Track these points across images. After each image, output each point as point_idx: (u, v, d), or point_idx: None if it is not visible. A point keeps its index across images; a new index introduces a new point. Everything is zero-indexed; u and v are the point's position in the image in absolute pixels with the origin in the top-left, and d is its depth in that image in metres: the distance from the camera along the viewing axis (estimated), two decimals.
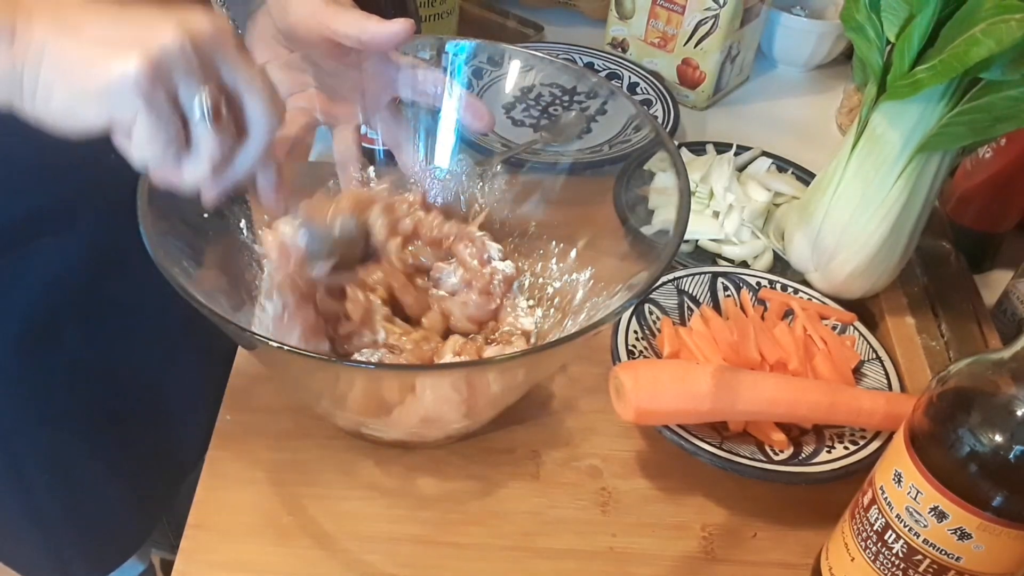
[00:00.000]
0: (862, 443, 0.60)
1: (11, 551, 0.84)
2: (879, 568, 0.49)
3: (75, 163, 0.65)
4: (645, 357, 0.66)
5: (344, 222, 0.61)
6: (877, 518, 0.49)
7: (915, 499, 0.46)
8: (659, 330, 0.68)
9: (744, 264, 0.79)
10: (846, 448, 0.60)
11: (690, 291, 0.72)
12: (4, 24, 0.39)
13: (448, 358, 0.60)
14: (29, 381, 0.71)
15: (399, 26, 0.57)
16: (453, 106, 0.67)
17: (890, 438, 0.58)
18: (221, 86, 0.43)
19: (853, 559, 0.51)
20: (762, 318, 0.70)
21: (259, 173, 0.50)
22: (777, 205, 0.84)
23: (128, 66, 0.38)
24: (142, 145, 0.41)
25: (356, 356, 0.59)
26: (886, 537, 0.48)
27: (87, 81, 0.39)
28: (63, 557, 0.83)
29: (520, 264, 0.69)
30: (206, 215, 0.58)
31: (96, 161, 0.42)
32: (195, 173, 0.44)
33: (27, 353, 0.70)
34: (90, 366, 0.74)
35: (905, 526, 0.47)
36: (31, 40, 0.39)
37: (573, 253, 0.68)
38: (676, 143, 0.91)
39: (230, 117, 0.44)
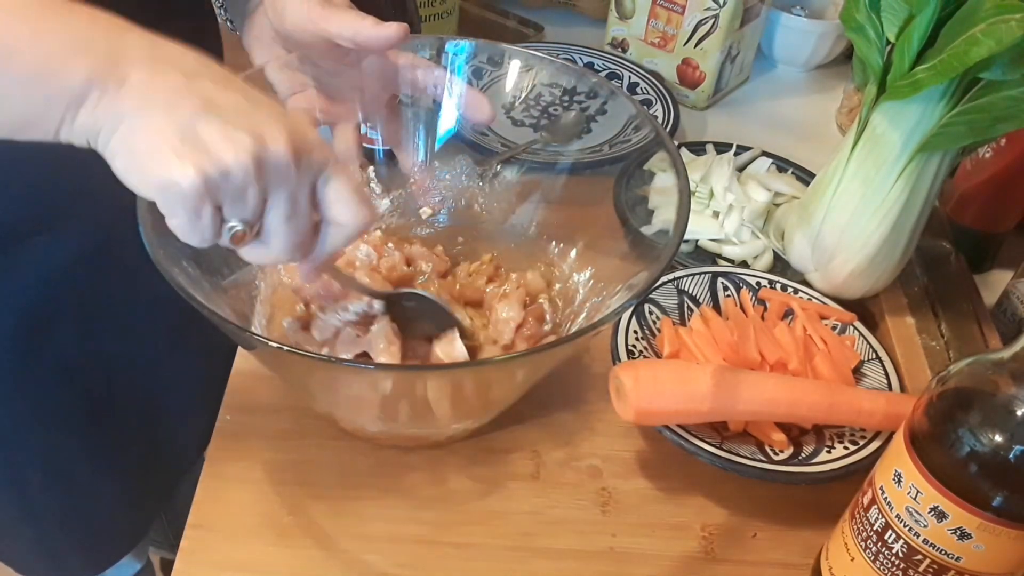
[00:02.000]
0: (862, 443, 0.60)
1: (6, 548, 0.85)
2: (879, 568, 0.49)
3: (69, 162, 0.65)
4: (645, 357, 0.65)
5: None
6: (877, 518, 0.49)
7: (915, 499, 0.46)
8: (659, 330, 0.68)
9: (744, 264, 0.79)
10: (846, 448, 0.60)
11: (690, 291, 0.72)
12: (97, 82, 0.39)
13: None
14: (24, 379, 0.71)
15: (393, 30, 0.57)
16: (453, 104, 0.68)
17: (890, 438, 0.58)
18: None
19: (853, 559, 0.51)
20: (762, 318, 0.70)
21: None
22: (777, 205, 0.84)
23: (183, 177, 0.39)
24: (174, 228, 0.42)
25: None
26: (886, 537, 0.48)
27: (144, 168, 0.40)
28: (58, 554, 0.83)
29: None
30: None
31: (90, 161, 0.41)
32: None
33: (22, 351, 0.70)
34: (85, 364, 0.74)
35: (905, 526, 0.47)
36: (116, 107, 0.40)
37: (573, 253, 0.68)
38: (676, 143, 0.91)
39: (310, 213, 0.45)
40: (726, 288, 0.72)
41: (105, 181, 0.50)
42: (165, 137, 0.39)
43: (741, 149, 0.89)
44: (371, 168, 0.69)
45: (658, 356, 0.66)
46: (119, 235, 0.49)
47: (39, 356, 0.71)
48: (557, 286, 0.68)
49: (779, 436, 0.61)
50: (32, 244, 0.67)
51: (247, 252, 0.45)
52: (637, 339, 0.67)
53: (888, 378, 0.65)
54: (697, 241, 0.81)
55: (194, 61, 0.42)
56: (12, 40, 0.39)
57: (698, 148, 0.90)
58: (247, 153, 0.40)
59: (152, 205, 0.42)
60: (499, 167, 0.72)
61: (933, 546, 0.46)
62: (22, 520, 0.79)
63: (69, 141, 0.41)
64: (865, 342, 0.68)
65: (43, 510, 0.79)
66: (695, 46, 1.01)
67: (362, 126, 0.68)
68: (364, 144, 0.70)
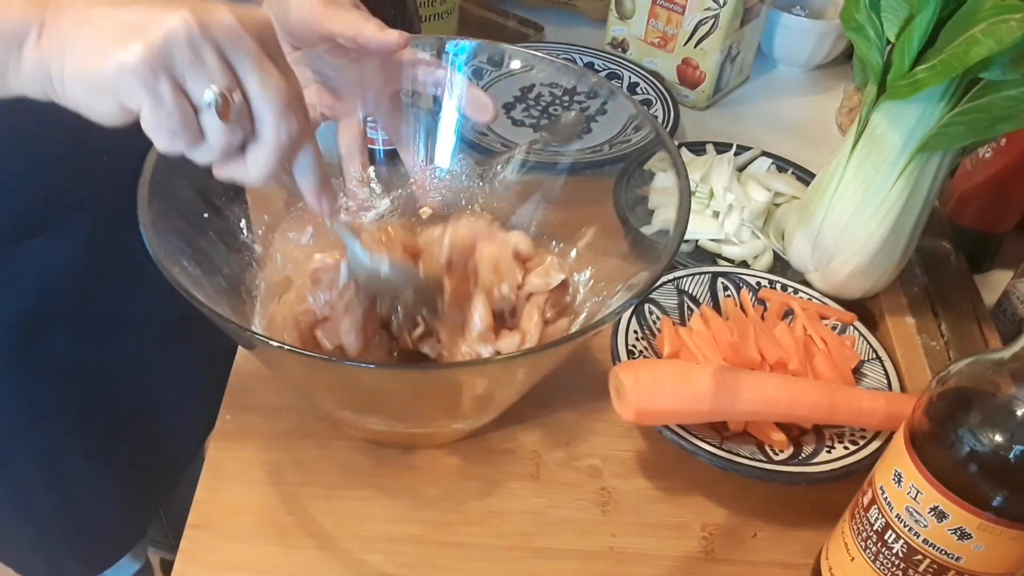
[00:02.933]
0: (862, 443, 0.60)
1: (5, 548, 0.85)
2: (879, 568, 0.49)
3: (66, 163, 0.65)
4: (645, 357, 0.65)
5: (400, 268, 0.59)
6: (877, 518, 0.49)
7: (915, 499, 0.46)
8: (659, 330, 0.68)
9: (744, 264, 0.79)
10: (846, 448, 0.60)
11: (690, 291, 0.72)
12: (34, 18, 0.39)
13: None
14: (21, 380, 0.71)
15: (393, 38, 0.57)
16: (454, 104, 0.68)
17: (890, 438, 0.58)
18: (237, 80, 0.41)
19: (853, 559, 0.51)
20: (762, 318, 0.70)
21: (297, 175, 0.47)
22: (777, 205, 0.84)
23: (128, 55, 0.37)
24: (149, 129, 0.40)
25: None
26: (886, 537, 0.48)
27: (97, 72, 0.38)
28: (55, 555, 0.83)
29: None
30: (206, 215, 0.58)
31: (87, 161, 0.41)
32: (205, 160, 0.42)
33: (19, 352, 0.70)
34: (82, 366, 0.74)
35: (905, 526, 0.47)
36: (56, 33, 0.39)
37: (573, 253, 0.68)
38: (676, 143, 0.91)
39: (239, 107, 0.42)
40: (726, 288, 0.72)
41: (102, 183, 0.50)
42: (107, 33, 0.38)
43: (741, 149, 0.89)
44: (371, 168, 0.69)
45: (658, 356, 0.66)
46: (116, 236, 0.48)
47: (36, 357, 0.71)
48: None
49: (779, 436, 0.61)
50: (29, 246, 0.67)
51: (249, 157, 0.42)
52: (637, 339, 0.67)
53: (888, 378, 0.65)
54: (697, 241, 0.81)
55: None
56: None
57: (698, 148, 0.90)
58: (186, 16, 0.38)
59: (151, 205, 0.42)
60: (499, 167, 0.73)
61: (933, 546, 0.46)
62: (20, 521, 0.79)
63: (22, 92, 0.40)
64: (865, 342, 0.68)
65: (41, 511, 0.79)
66: (695, 46, 1.01)
67: (364, 125, 0.68)
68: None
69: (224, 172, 0.44)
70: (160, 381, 0.82)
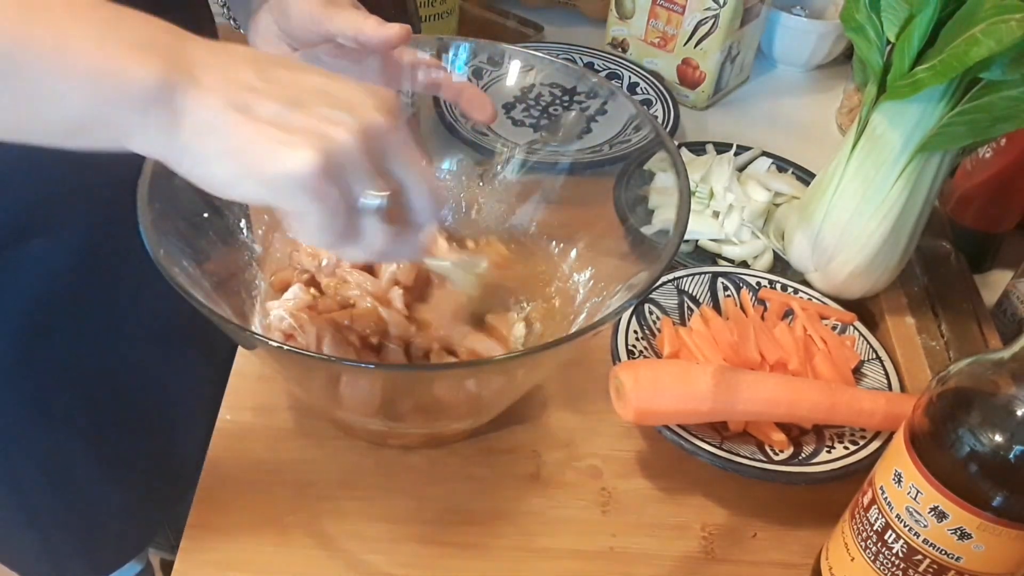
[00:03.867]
0: (862, 443, 0.60)
1: (9, 552, 0.84)
2: (879, 568, 0.49)
3: (66, 164, 0.65)
4: (645, 357, 0.65)
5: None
6: (877, 518, 0.49)
7: (915, 499, 0.46)
8: (659, 330, 0.68)
9: (744, 264, 0.79)
10: (846, 448, 0.60)
11: (690, 291, 0.72)
12: (171, 85, 0.37)
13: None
14: (25, 383, 0.71)
15: (395, 30, 0.57)
16: (454, 104, 0.68)
17: (890, 438, 0.58)
18: (387, 177, 0.42)
19: (853, 559, 0.51)
20: (762, 318, 0.70)
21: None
22: (777, 205, 0.84)
23: (301, 163, 0.37)
24: (310, 235, 0.40)
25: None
26: (886, 537, 0.48)
27: (256, 167, 0.37)
28: (60, 559, 0.83)
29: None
30: (206, 215, 0.58)
31: (88, 162, 0.40)
32: (358, 256, 0.43)
33: (22, 355, 0.70)
34: (85, 368, 0.74)
35: (905, 526, 0.47)
36: (199, 109, 0.37)
37: (573, 253, 0.68)
38: (676, 143, 0.91)
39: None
40: (726, 288, 0.72)
41: (102, 182, 0.50)
42: (265, 130, 0.37)
43: (741, 149, 0.89)
44: None
45: (658, 356, 0.66)
46: (117, 236, 0.48)
47: (39, 359, 0.71)
48: (556, 285, 0.68)
49: (779, 436, 0.61)
50: (31, 247, 0.67)
51: (348, 253, 0.42)
52: (637, 339, 0.67)
53: (888, 378, 0.65)
54: (697, 241, 0.81)
55: (253, 52, 0.40)
56: (69, 35, 0.36)
57: (698, 148, 0.90)
58: (351, 126, 0.38)
59: (151, 205, 0.42)
60: (499, 167, 0.73)
61: (933, 546, 0.46)
62: (25, 525, 0.79)
63: (137, 150, 0.39)
64: (865, 342, 0.68)
65: (45, 514, 0.79)
66: (695, 46, 1.01)
67: None
68: None
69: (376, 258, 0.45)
70: (163, 382, 0.82)
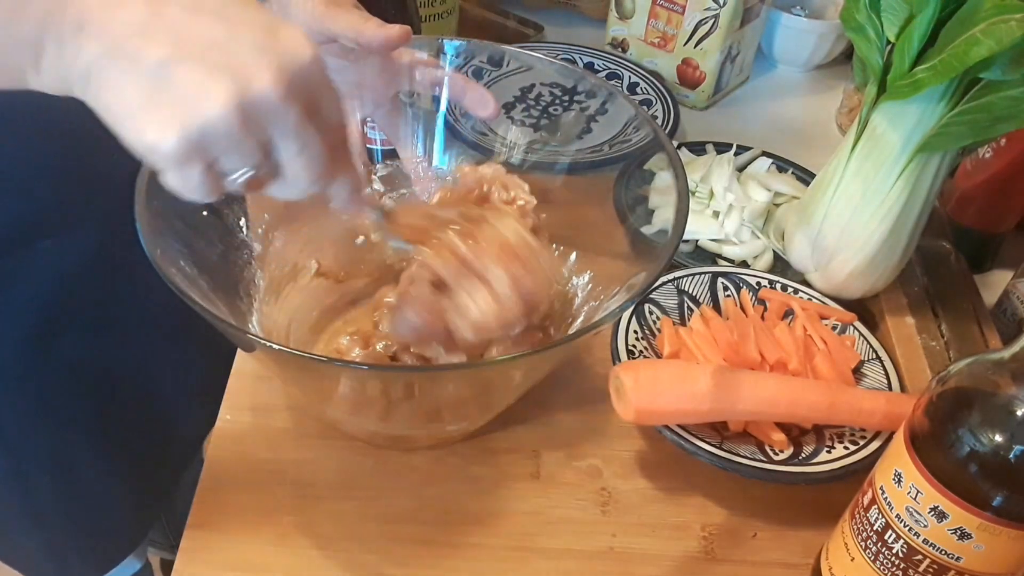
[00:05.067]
0: (862, 443, 0.60)
1: (12, 550, 0.85)
2: (879, 568, 0.49)
3: (74, 165, 0.65)
4: (645, 357, 0.65)
5: None
6: (877, 518, 0.49)
7: (915, 499, 0.46)
8: (659, 330, 0.68)
9: (744, 264, 0.79)
10: (846, 448, 0.60)
11: (690, 291, 0.72)
12: (51, 29, 0.35)
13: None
14: (32, 382, 0.71)
15: (395, 31, 0.57)
16: (455, 103, 0.67)
17: (890, 438, 0.58)
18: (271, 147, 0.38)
19: (853, 559, 0.51)
20: (762, 318, 0.70)
21: (334, 202, 0.45)
22: (777, 205, 0.84)
23: (160, 140, 0.35)
24: (169, 186, 0.38)
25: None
26: (886, 537, 0.48)
27: (125, 130, 0.36)
28: (63, 556, 0.83)
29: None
30: (204, 213, 0.58)
31: (96, 162, 0.40)
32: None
33: (32, 355, 0.70)
34: (92, 366, 0.74)
35: (905, 526, 0.47)
36: (78, 56, 0.35)
37: (573, 256, 0.68)
38: (676, 143, 0.91)
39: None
40: (726, 288, 0.72)
41: (111, 184, 0.49)
42: (136, 91, 0.35)
43: (741, 149, 0.89)
44: (377, 168, 0.70)
45: (658, 356, 0.66)
46: (125, 236, 0.48)
47: (48, 359, 0.71)
48: (555, 288, 0.68)
49: (779, 436, 0.61)
50: (41, 248, 0.67)
51: (273, 192, 0.40)
52: (637, 339, 0.67)
53: (888, 378, 0.65)
54: (697, 241, 0.81)
55: None
56: None
57: (698, 148, 0.90)
58: (227, 100, 0.35)
59: (149, 205, 0.42)
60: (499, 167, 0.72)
61: (933, 546, 0.46)
62: (29, 524, 0.79)
63: (44, 89, 0.37)
64: (865, 342, 0.68)
65: (49, 512, 0.79)
66: (695, 46, 1.01)
67: (362, 126, 0.68)
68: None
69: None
70: (166, 380, 0.82)
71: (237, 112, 0.35)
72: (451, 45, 0.68)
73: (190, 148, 0.35)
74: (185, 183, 0.37)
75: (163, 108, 0.35)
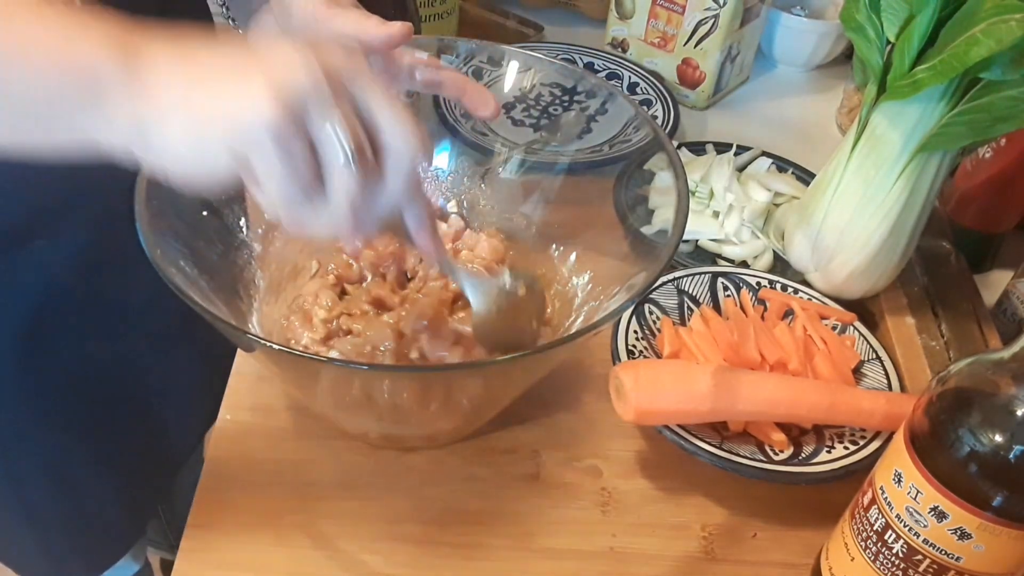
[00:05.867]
0: (862, 443, 0.60)
1: (7, 550, 0.85)
2: (879, 568, 0.49)
3: (70, 165, 0.65)
4: (645, 357, 0.65)
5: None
6: (877, 518, 0.49)
7: (915, 499, 0.46)
8: (659, 330, 0.68)
9: (744, 264, 0.79)
10: (846, 448, 0.60)
11: (690, 291, 0.72)
12: (120, 65, 0.37)
13: None
14: (26, 382, 0.71)
15: (397, 28, 0.57)
16: (455, 102, 0.67)
17: (890, 438, 0.58)
18: (358, 119, 0.39)
19: (853, 559, 0.51)
20: (762, 318, 0.70)
21: (406, 212, 0.44)
22: (777, 205, 0.84)
23: (258, 107, 0.35)
24: (272, 189, 0.38)
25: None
26: (886, 537, 0.48)
27: (215, 126, 0.37)
28: (57, 556, 0.83)
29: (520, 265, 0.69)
30: (204, 213, 0.58)
31: (90, 162, 0.40)
32: (333, 217, 0.39)
33: (24, 354, 0.70)
34: (85, 366, 0.74)
35: (905, 526, 0.47)
36: (160, 95, 0.37)
37: (572, 256, 0.68)
38: (676, 143, 0.91)
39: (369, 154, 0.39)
40: (726, 288, 0.72)
41: (105, 184, 0.49)
42: (222, 92, 0.37)
43: (741, 149, 0.89)
44: None
45: (658, 356, 0.66)
46: (116, 236, 0.48)
47: (41, 359, 0.71)
48: (556, 288, 0.68)
49: (779, 436, 0.61)
50: (32, 248, 0.67)
51: (323, 214, 0.39)
52: (637, 339, 0.67)
53: (888, 378, 0.65)
54: (697, 241, 0.81)
55: (203, 40, 0.39)
56: (27, 38, 0.37)
57: (698, 148, 0.90)
58: (308, 63, 0.36)
59: (149, 205, 0.41)
60: (499, 167, 0.72)
61: (933, 546, 0.46)
62: (24, 523, 0.79)
63: (105, 141, 0.39)
64: (865, 342, 0.68)
65: (44, 512, 0.79)
66: (695, 46, 1.01)
67: None
68: None
69: (356, 235, 0.41)
70: (161, 379, 0.82)
71: (317, 72, 0.36)
72: (451, 45, 0.68)
73: (286, 110, 0.36)
74: (288, 166, 0.37)
75: (256, 88, 0.36)
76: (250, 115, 0.36)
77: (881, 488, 0.49)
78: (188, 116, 0.37)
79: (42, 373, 0.71)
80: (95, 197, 0.65)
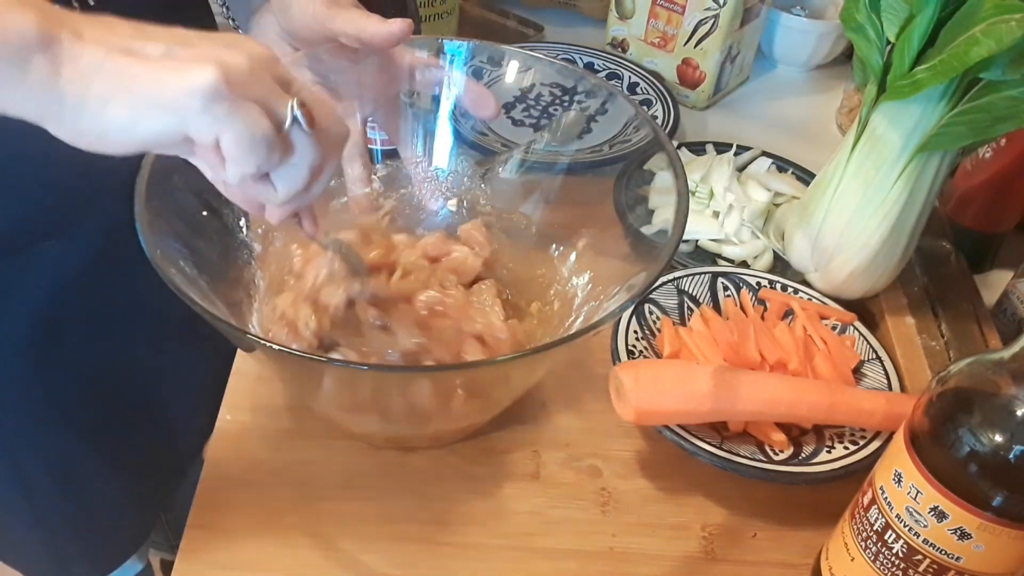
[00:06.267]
0: (862, 443, 0.60)
1: (15, 553, 0.85)
2: (879, 568, 0.49)
3: (78, 165, 0.65)
4: (645, 357, 0.65)
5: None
6: (877, 518, 0.49)
7: (915, 499, 0.46)
8: (659, 330, 0.68)
9: (744, 264, 0.79)
10: (846, 448, 0.60)
11: (690, 291, 0.72)
12: (46, 35, 0.36)
13: None
14: (36, 384, 0.71)
15: (397, 26, 0.57)
16: (455, 102, 0.68)
17: (890, 438, 0.58)
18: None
19: (853, 559, 0.51)
20: (762, 318, 0.70)
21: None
22: (777, 205, 0.84)
23: (206, 76, 0.36)
24: (239, 155, 0.38)
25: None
26: (886, 537, 0.48)
27: (156, 94, 0.37)
28: (65, 558, 0.83)
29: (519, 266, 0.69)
30: (204, 213, 0.58)
31: (101, 162, 0.40)
32: (292, 184, 0.41)
33: (34, 356, 0.70)
34: (94, 367, 0.74)
35: (905, 526, 0.47)
36: (80, 55, 0.36)
37: (572, 256, 0.68)
38: (676, 143, 0.91)
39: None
40: (726, 288, 0.72)
41: (115, 184, 0.49)
42: (155, 63, 0.37)
43: (741, 149, 0.89)
44: (377, 167, 0.70)
45: (658, 356, 0.66)
46: (128, 237, 0.48)
47: (52, 360, 0.71)
48: (556, 288, 0.68)
49: (779, 436, 0.61)
50: (44, 248, 0.67)
51: (281, 182, 0.41)
52: (637, 339, 0.67)
53: (888, 378, 0.65)
54: (697, 241, 0.81)
55: (126, 20, 0.40)
56: None
57: (698, 148, 0.90)
58: (240, 52, 0.38)
59: (149, 204, 0.41)
60: (499, 167, 0.72)
61: (933, 546, 0.46)
62: (31, 525, 0.79)
63: (15, 109, 0.38)
64: (865, 342, 0.68)
65: (52, 515, 0.79)
66: (695, 46, 1.01)
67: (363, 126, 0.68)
68: None
69: (288, 209, 0.44)
70: (168, 380, 0.82)
71: (255, 60, 0.38)
72: (451, 45, 0.68)
73: (233, 81, 0.37)
74: (250, 124, 0.37)
75: (190, 63, 0.37)
76: (200, 82, 0.36)
77: (881, 488, 0.49)
78: (124, 86, 0.37)
79: (52, 374, 0.72)
80: (107, 198, 0.65)
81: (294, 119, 0.39)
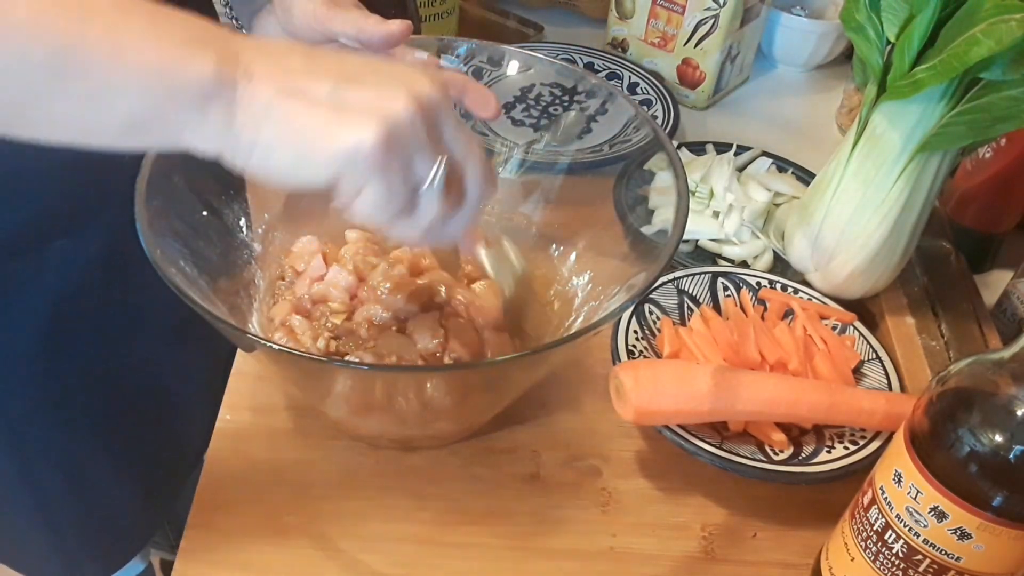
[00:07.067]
0: (862, 443, 0.60)
1: (21, 554, 0.85)
2: (879, 568, 0.49)
3: (87, 165, 0.65)
4: (645, 357, 0.65)
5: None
6: (877, 518, 0.49)
7: (915, 499, 0.46)
8: (659, 330, 0.68)
9: (744, 264, 0.79)
10: (846, 448, 0.60)
11: (690, 291, 0.72)
12: (226, 78, 0.37)
13: None
14: (44, 384, 0.71)
15: (397, 27, 0.58)
16: (455, 101, 0.67)
17: (890, 438, 0.58)
18: (444, 151, 0.42)
19: (853, 559, 0.51)
20: (762, 318, 0.70)
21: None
22: (777, 205, 0.84)
23: (363, 136, 0.37)
24: (370, 210, 0.40)
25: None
26: (886, 537, 0.48)
27: (317, 145, 0.38)
28: (73, 558, 0.84)
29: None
30: (204, 213, 0.58)
31: (108, 163, 0.40)
32: (409, 233, 0.43)
33: (43, 356, 0.70)
34: (102, 367, 0.74)
35: (905, 526, 0.47)
36: (253, 99, 0.37)
37: (572, 256, 0.68)
38: (676, 143, 0.91)
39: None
40: (726, 288, 0.72)
41: (122, 184, 0.50)
42: (321, 111, 0.38)
43: (741, 149, 0.89)
44: None
45: (658, 356, 0.66)
46: (133, 237, 0.49)
47: (60, 360, 0.71)
48: (556, 288, 0.68)
49: (779, 436, 0.61)
50: (53, 248, 0.67)
51: (453, 221, 0.43)
52: (637, 339, 0.67)
53: (888, 378, 0.65)
54: (697, 241, 0.81)
55: (294, 42, 0.41)
56: (123, 34, 0.36)
57: (698, 148, 0.90)
58: (408, 99, 0.39)
59: (150, 205, 0.41)
60: (499, 167, 0.72)
61: (933, 546, 0.46)
62: (40, 525, 0.79)
63: (193, 147, 0.39)
64: (865, 342, 0.68)
65: (60, 514, 0.79)
66: (695, 46, 1.01)
67: None
68: None
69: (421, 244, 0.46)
70: (174, 379, 0.83)
71: (417, 107, 0.39)
72: (451, 45, 0.68)
73: (389, 143, 0.38)
74: (387, 190, 0.39)
75: (353, 116, 0.38)
76: (356, 143, 0.37)
77: (881, 488, 0.49)
78: (289, 135, 0.38)
79: (61, 373, 0.72)
80: (116, 198, 0.65)
81: (431, 181, 0.41)
